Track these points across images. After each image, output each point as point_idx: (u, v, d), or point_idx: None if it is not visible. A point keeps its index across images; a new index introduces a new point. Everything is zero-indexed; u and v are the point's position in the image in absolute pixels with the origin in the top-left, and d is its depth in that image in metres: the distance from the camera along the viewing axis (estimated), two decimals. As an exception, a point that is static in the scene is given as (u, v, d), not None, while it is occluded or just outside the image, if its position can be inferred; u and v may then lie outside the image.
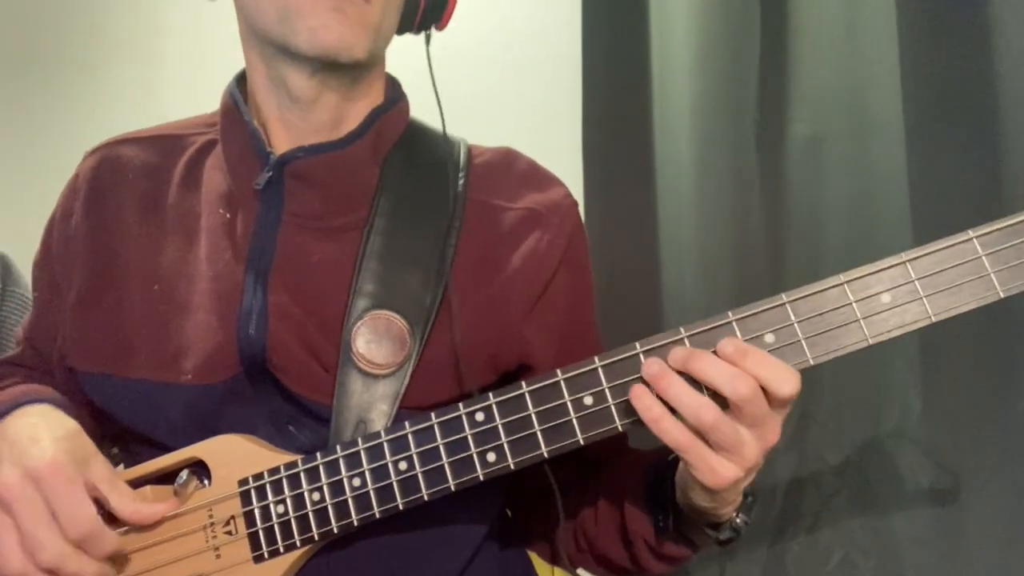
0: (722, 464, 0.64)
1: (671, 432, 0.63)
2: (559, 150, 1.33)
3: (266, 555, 0.72)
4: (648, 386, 0.65)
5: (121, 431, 0.79)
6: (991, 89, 0.97)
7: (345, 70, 0.77)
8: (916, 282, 0.63)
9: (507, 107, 1.52)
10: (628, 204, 1.26)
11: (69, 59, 2.10)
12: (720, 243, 1.16)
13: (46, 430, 0.72)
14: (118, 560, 0.73)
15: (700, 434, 0.63)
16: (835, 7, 1.10)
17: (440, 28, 0.85)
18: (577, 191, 1.29)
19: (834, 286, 0.64)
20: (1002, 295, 0.63)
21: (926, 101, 1.01)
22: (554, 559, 0.88)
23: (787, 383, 0.62)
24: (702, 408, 0.62)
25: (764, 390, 0.63)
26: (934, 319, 0.63)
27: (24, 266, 1.27)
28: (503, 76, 1.53)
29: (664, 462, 0.76)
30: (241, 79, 0.85)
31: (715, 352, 0.64)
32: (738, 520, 0.74)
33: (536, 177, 0.86)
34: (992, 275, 0.62)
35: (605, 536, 0.81)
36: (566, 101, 1.37)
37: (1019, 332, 0.96)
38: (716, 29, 1.17)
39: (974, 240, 0.63)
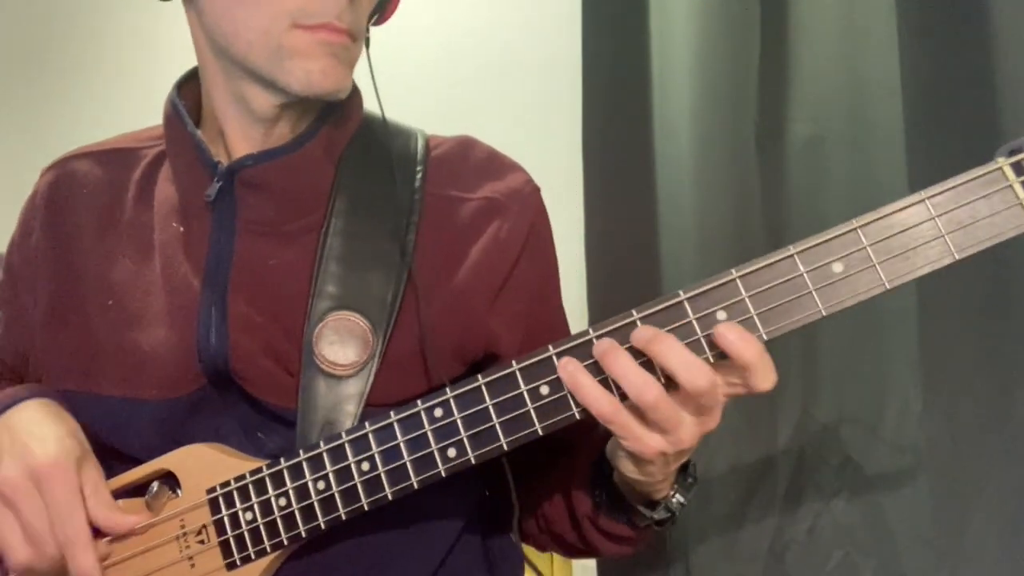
0: (649, 435, 0.63)
1: (595, 401, 0.63)
2: (559, 150, 1.33)
3: (238, 562, 0.72)
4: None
5: (97, 446, 0.79)
6: (991, 89, 0.97)
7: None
8: (868, 248, 0.62)
9: (507, 107, 1.52)
10: (628, 204, 1.25)
11: (70, 59, 2.10)
12: (720, 243, 1.16)
13: (49, 427, 0.73)
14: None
15: (640, 411, 0.63)
16: (835, 7, 1.10)
17: (379, 23, 0.84)
18: (577, 191, 1.30)
19: (784, 258, 0.63)
20: (957, 257, 0.61)
21: (926, 101, 1.01)
22: (524, 539, 0.89)
23: (766, 379, 0.62)
24: (644, 386, 0.62)
25: (726, 375, 0.63)
26: (888, 286, 0.61)
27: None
28: (503, 76, 1.53)
29: (600, 463, 0.76)
30: (183, 84, 0.84)
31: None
32: (674, 500, 0.74)
33: (494, 165, 0.85)
34: (946, 237, 0.60)
35: (557, 515, 0.82)
36: (566, 101, 1.37)
37: (1020, 332, 0.96)
38: (716, 29, 1.17)
39: (926, 201, 0.61)
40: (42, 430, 0.73)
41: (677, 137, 1.22)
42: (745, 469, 1.11)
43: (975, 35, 0.98)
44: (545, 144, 1.28)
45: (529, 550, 0.92)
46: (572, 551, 0.85)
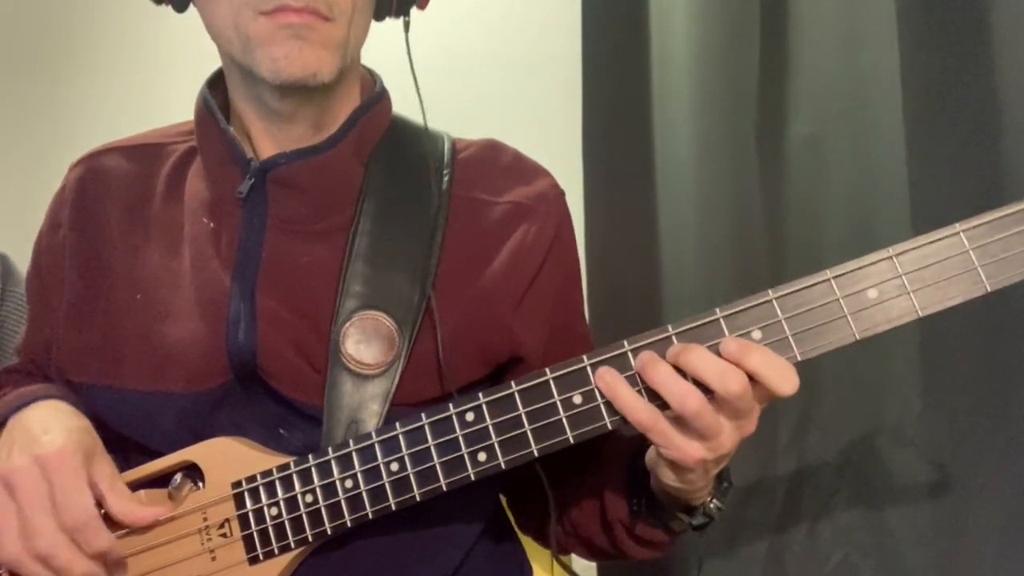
0: (689, 444, 0.65)
1: (634, 410, 0.64)
2: (559, 150, 1.33)
3: (261, 557, 0.72)
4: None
5: (120, 440, 0.79)
6: (991, 89, 0.97)
7: (316, 90, 0.77)
8: (903, 277, 0.64)
9: (507, 107, 1.52)
10: (628, 204, 1.25)
11: (70, 59, 2.10)
12: (720, 243, 1.16)
13: (58, 422, 0.73)
14: (114, 563, 0.73)
15: (681, 420, 0.64)
16: (835, 7, 1.10)
17: (422, 7, 0.84)
18: (577, 191, 1.30)
19: (820, 282, 0.64)
20: (989, 289, 0.63)
21: (926, 101, 1.01)
22: (551, 546, 0.89)
23: (788, 382, 0.63)
24: (687, 395, 0.63)
25: (756, 383, 0.63)
26: (921, 314, 0.64)
27: (24, 266, 1.28)
28: (503, 76, 1.53)
29: (641, 447, 0.77)
30: (213, 83, 0.85)
31: (719, 351, 0.64)
32: (711, 505, 0.75)
33: (521, 169, 0.86)
34: (979, 269, 0.62)
35: (588, 521, 0.82)
36: (566, 101, 1.37)
37: (1019, 332, 0.96)
38: (716, 29, 1.17)
39: (961, 234, 0.63)
40: (52, 424, 0.73)
41: (677, 137, 1.22)
42: (745, 469, 1.11)
43: (975, 35, 0.98)
44: (545, 144, 1.28)
45: (531, 545, 0.92)
46: (599, 554, 0.85)
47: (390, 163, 0.83)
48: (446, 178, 0.83)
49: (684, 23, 1.21)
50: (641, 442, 0.78)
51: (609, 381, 0.65)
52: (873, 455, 1.04)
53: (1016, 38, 0.96)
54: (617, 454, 0.81)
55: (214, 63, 0.85)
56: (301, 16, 0.72)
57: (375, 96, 0.84)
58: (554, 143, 1.35)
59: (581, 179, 1.30)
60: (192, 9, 0.83)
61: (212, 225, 0.81)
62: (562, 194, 0.86)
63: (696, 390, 0.63)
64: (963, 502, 0.98)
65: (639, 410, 0.64)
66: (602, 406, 0.67)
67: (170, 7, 0.81)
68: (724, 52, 1.16)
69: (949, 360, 1.00)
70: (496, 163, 0.86)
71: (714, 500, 0.75)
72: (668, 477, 0.70)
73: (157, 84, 1.90)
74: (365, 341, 0.75)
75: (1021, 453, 0.96)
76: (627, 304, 1.24)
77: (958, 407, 0.99)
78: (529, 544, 0.92)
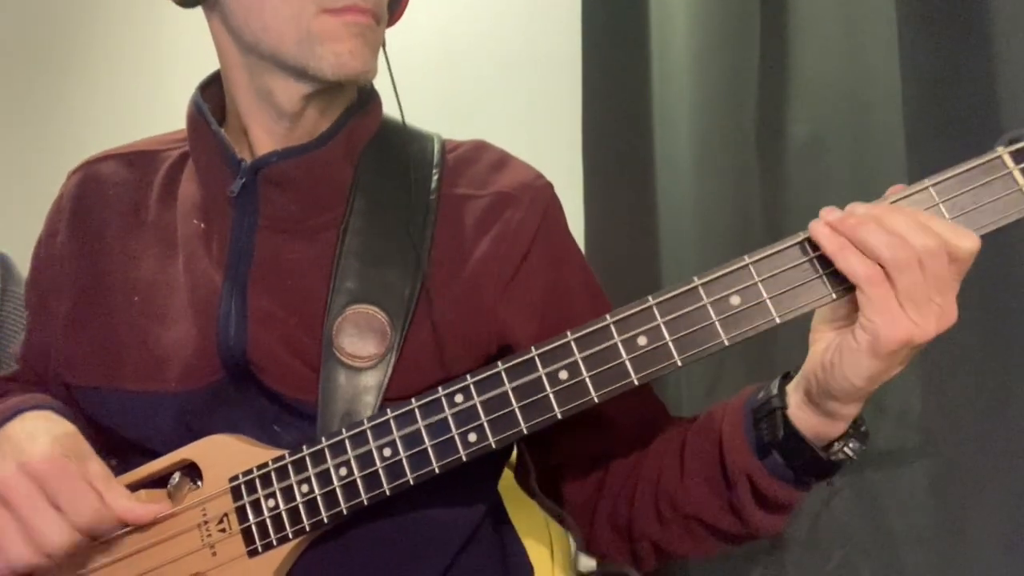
0: (903, 314, 0.60)
1: (855, 263, 0.61)
2: (559, 150, 1.33)
3: (260, 549, 0.73)
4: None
5: (120, 443, 0.80)
6: (991, 90, 0.97)
7: (343, 87, 0.79)
8: None
9: (507, 107, 1.52)
10: (628, 203, 1.26)
11: (71, 60, 2.10)
12: (720, 242, 1.16)
13: (44, 430, 0.74)
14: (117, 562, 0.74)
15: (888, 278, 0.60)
16: (835, 7, 1.10)
17: (388, 25, 0.84)
18: (577, 191, 1.30)
19: (794, 244, 0.65)
20: None
21: (926, 101, 1.01)
22: (589, 544, 0.85)
23: (967, 237, 0.60)
24: (899, 244, 0.59)
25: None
26: None
27: (24, 266, 1.28)
28: (503, 76, 1.53)
29: (765, 399, 0.71)
30: (206, 87, 0.86)
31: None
32: (849, 448, 0.70)
33: (506, 165, 0.87)
34: (951, 222, 0.63)
35: (696, 489, 0.75)
36: (566, 101, 1.37)
37: (1020, 331, 0.96)
38: (716, 29, 1.17)
39: (930, 188, 0.64)
40: (37, 431, 0.73)
41: (677, 137, 1.22)
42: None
43: (975, 35, 0.98)
44: (545, 143, 1.29)
45: (530, 540, 0.91)
46: (710, 530, 0.77)
47: (380, 162, 0.84)
48: (435, 177, 0.83)
49: (684, 23, 1.21)
50: (738, 401, 0.74)
51: (828, 233, 0.61)
52: (873, 455, 1.04)
53: (1016, 38, 0.96)
54: (714, 415, 0.75)
55: (215, 67, 0.86)
56: (366, 17, 0.76)
57: (365, 97, 0.85)
58: (554, 143, 1.36)
59: (581, 179, 1.30)
60: (195, 13, 0.83)
61: (203, 226, 0.82)
62: (548, 185, 0.86)
63: (906, 239, 0.59)
64: (963, 502, 0.98)
65: (864, 267, 0.60)
66: (588, 380, 0.67)
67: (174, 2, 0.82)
68: (724, 52, 1.16)
69: (949, 359, 1.00)
70: (482, 161, 0.87)
71: (851, 441, 0.69)
72: (855, 371, 0.63)
73: (159, 86, 1.90)
74: (358, 334, 0.76)
75: (1021, 453, 0.96)
76: (626, 303, 1.24)
77: (958, 407, 0.99)
78: (529, 543, 0.92)
